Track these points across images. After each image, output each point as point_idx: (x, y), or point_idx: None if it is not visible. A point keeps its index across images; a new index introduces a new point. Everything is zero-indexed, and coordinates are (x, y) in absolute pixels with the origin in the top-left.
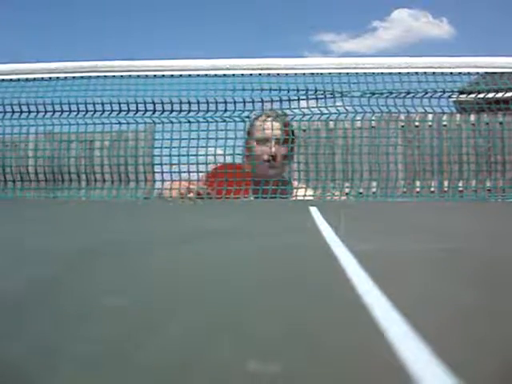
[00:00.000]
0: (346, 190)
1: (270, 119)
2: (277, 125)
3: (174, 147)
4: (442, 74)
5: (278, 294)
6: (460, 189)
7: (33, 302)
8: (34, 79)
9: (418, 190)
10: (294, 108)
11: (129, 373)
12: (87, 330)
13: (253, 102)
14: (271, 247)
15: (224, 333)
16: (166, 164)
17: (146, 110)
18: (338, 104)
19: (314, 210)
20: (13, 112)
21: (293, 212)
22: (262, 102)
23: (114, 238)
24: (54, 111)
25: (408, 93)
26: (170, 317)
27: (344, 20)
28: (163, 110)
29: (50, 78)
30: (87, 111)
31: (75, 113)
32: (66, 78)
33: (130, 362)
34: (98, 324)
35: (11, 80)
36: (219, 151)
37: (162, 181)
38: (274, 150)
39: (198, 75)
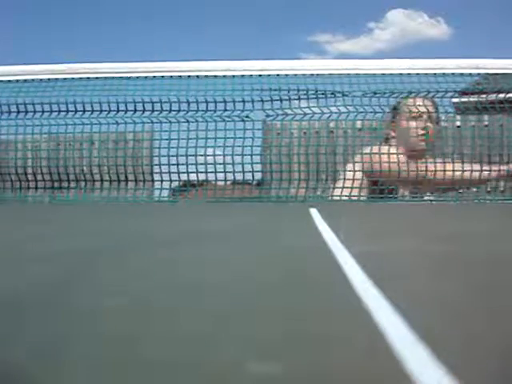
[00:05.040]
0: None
1: (420, 99)
2: (429, 103)
3: (173, 147)
4: (444, 74)
5: (279, 296)
6: (460, 190)
7: (33, 302)
8: (33, 80)
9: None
10: (295, 108)
11: (129, 373)
12: (87, 331)
13: (252, 101)
14: (271, 248)
15: (224, 334)
16: (164, 164)
17: (144, 110)
18: (338, 104)
19: (313, 212)
20: (10, 112)
21: (293, 213)
22: (262, 101)
23: (115, 239)
24: (51, 111)
25: (410, 92)
26: (170, 318)
27: (339, 21)
28: (162, 110)
29: (49, 79)
30: (84, 111)
31: (73, 113)
32: (65, 79)
33: (130, 363)
34: (98, 324)
35: (9, 81)
36: (218, 151)
37: (161, 181)
38: (428, 124)
39: (198, 76)
